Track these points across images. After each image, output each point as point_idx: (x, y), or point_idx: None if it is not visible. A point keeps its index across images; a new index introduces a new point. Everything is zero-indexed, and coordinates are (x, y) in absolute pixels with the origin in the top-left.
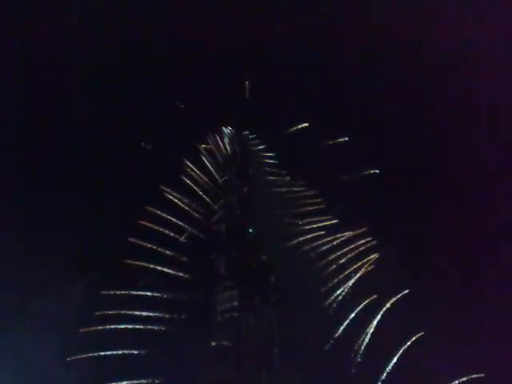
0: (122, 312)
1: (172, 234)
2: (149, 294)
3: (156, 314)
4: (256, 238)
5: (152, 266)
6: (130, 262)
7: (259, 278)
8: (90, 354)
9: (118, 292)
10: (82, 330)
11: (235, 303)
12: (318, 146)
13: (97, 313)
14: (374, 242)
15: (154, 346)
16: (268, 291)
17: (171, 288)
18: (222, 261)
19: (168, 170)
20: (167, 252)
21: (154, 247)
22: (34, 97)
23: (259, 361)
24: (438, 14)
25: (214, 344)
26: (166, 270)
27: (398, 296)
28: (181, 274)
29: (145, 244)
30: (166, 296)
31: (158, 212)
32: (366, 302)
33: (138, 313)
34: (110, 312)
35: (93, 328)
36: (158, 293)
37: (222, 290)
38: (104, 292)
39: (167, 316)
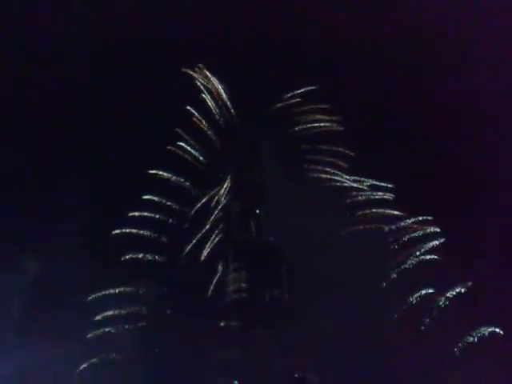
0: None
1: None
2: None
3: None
4: (263, 220)
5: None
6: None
7: (267, 260)
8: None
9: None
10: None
11: (243, 284)
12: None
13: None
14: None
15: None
16: (276, 273)
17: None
18: (228, 242)
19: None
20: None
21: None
22: None
23: (268, 340)
24: None
25: (222, 325)
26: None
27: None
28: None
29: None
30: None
31: (156, 198)
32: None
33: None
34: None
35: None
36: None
37: (229, 272)
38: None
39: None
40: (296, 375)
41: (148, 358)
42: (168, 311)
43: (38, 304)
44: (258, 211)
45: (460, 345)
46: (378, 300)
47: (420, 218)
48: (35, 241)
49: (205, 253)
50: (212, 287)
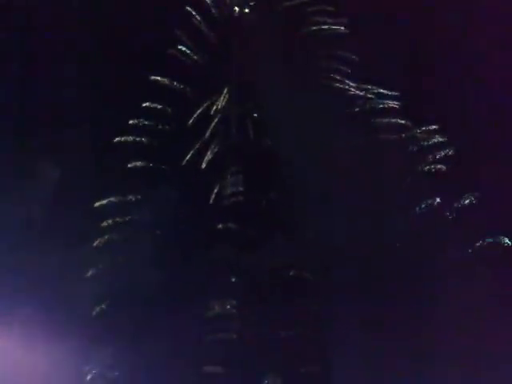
0: None
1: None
2: None
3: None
4: (260, 122)
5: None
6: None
7: (264, 164)
8: None
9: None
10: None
11: (240, 188)
12: None
13: None
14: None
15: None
16: (273, 177)
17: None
18: (226, 146)
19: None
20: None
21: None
22: None
23: (266, 241)
24: None
25: (220, 227)
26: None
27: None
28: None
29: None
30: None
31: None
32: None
33: None
34: None
35: None
36: None
37: (226, 176)
38: None
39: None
40: (291, 273)
41: (152, 262)
42: (169, 218)
43: (45, 212)
44: (256, 115)
45: (466, 253)
46: (381, 211)
47: (427, 128)
48: (36, 151)
49: (206, 160)
50: (213, 194)
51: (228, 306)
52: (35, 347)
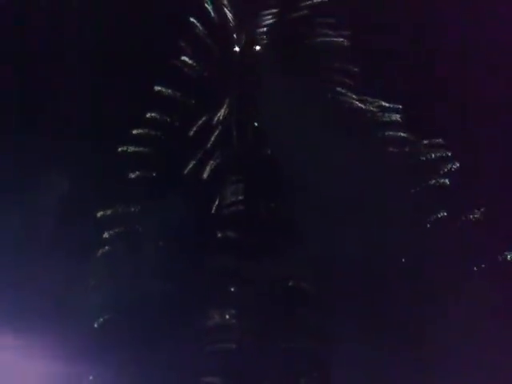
0: None
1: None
2: None
3: None
4: (260, 131)
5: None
6: None
7: (264, 173)
8: None
9: None
10: None
11: (240, 197)
12: None
13: None
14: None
15: None
16: (273, 186)
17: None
18: (225, 155)
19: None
20: None
21: None
22: None
23: (266, 251)
24: None
25: (219, 235)
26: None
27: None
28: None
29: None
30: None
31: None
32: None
33: None
34: None
35: None
36: None
37: (227, 185)
38: None
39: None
40: (291, 283)
41: (153, 272)
42: (171, 228)
43: (46, 223)
44: (256, 124)
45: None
46: (384, 222)
47: (430, 141)
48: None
49: (207, 170)
50: (215, 204)
51: (227, 316)
52: (36, 358)
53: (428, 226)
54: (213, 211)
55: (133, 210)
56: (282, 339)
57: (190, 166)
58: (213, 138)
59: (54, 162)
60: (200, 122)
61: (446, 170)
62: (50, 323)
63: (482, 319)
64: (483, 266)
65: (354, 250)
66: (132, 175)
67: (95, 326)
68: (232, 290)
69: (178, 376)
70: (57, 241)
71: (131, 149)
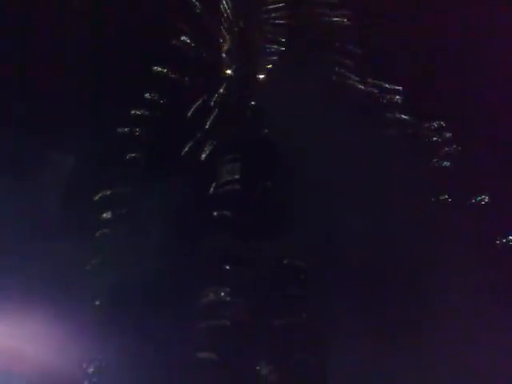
0: None
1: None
2: None
3: None
4: (259, 112)
5: None
6: None
7: (262, 153)
8: None
9: None
10: None
11: (236, 176)
12: None
13: None
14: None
15: None
16: (269, 165)
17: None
18: (222, 135)
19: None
20: None
21: None
22: None
23: (262, 229)
24: None
25: (215, 214)
26: None
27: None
28: None
29: None
30: None
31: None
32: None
33: None
34: None
35: None
36: None
37: (223, 163)
38: None
39: None
40: (286, 262)
41: (150, 251)
42: (168, 208)
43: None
44: (254, 104)
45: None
46: (384, 203)
47: (432, 124)
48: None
49: (205, 151)
50: (212, 184)
51: (222, 294)
52: (37, 338)
53: (428, 207)
54: (210, 191)
55: (130, 190)
56: (276, 315)
57: (188, 146)
58: (211, 119)
59: (52, 144)
60: (198, 102)
61: (447, 152)
62: (51, 302)
63: (481, 302)
64: (483, 248)
65: (351, 230)
66: (130, 156)
67: (95, 304)
68: (227, 268)
69: (175, 352)
70: (56, 222)
71: (129, 130)
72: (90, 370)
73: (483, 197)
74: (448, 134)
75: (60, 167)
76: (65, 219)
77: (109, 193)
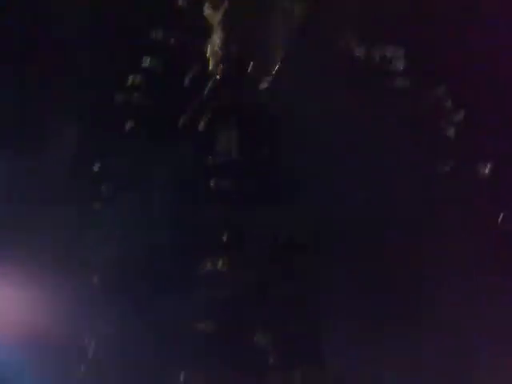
0: None
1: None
2: None
3: None
4: (256, 78)
5: None
6: None
7: (260, 120)
8: None
9: None
10: None
11: (235, 144)
12: None
13: None
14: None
15: None
16: (270, 133)
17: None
18: (220, 100)
19: None
20: None
21: None
22: None
23: (262, 199)
24: None
25: (213, 183)
26: None
27: None
28: None
29: None
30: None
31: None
32: None
33: None
34: None
35: None
36: None
37: (221, 130)
38: None
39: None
40: (285, 232)
41: (146, 222)
42: (164, 178)
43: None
44: (253, 67)
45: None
46: (385, 173)
47: (434, 90)
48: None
49: (204, 119)
50: (210, 152)
51: (220, 264)
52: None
53: (431, 177)
54: (207, 159)
55: (127, 161)
56: (275, 287)
57: (185, 114)
58: (208, 85)
59: (51, 112)
60: (196, 69)
61: (450, 120)
62: (52, 274)
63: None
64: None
65: (353, 199)
66: (128, 124)
67: (95, 276)
68: (226, 238)
69: (173, 324)
70: (55, 193)
71: (125, 98)
72: (90, 342)
73: (486, 166)
74: (451, 101)
75: (59, 134)
76: (65, 188)
77: (105, 164)
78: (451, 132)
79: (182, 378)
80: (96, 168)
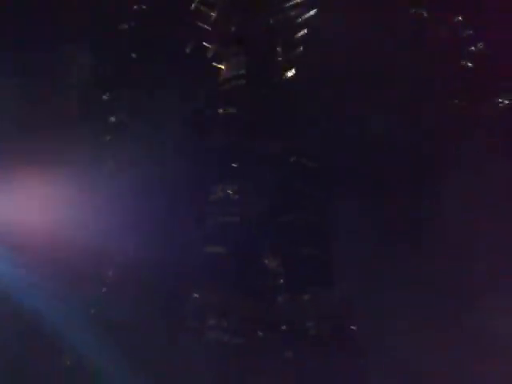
0: None
1: None
2: None
3: None
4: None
5: None
6: None
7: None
8: None
9: None
10: None
11: (242, 71)
12: None
13: None
14: None
15: None
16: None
17: None
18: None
19: None
20: None
21: None
22: None
23: (268, 126)
24: None
25: (221, 111)
26: None
27: None
28: None
29: None
30: None
31: None
32: None
33: None
34: None
35: None
36: None
37: (227, 57)
38: None
39: None
40: (292, 159)
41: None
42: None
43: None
44: None
45: None
46: (396, 104)
47: (450, 20)
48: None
49: (210, 48)
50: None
51: (229, 191)
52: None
53: (446, 110)
54: (215, 87)
55: (136, 91)
56: (283, 212)
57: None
58: (216, 10)
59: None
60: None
61: (468, 51)
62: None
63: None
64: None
65: (360, 129)
66: (135, 55)
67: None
68: (234, 165)
69: (181, 246)
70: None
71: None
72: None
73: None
74: (470, 31)
75: (72, 63)
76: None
77: (118, 94)
78: (469, 64)
79: (195, 299)
80: (107, 97)
